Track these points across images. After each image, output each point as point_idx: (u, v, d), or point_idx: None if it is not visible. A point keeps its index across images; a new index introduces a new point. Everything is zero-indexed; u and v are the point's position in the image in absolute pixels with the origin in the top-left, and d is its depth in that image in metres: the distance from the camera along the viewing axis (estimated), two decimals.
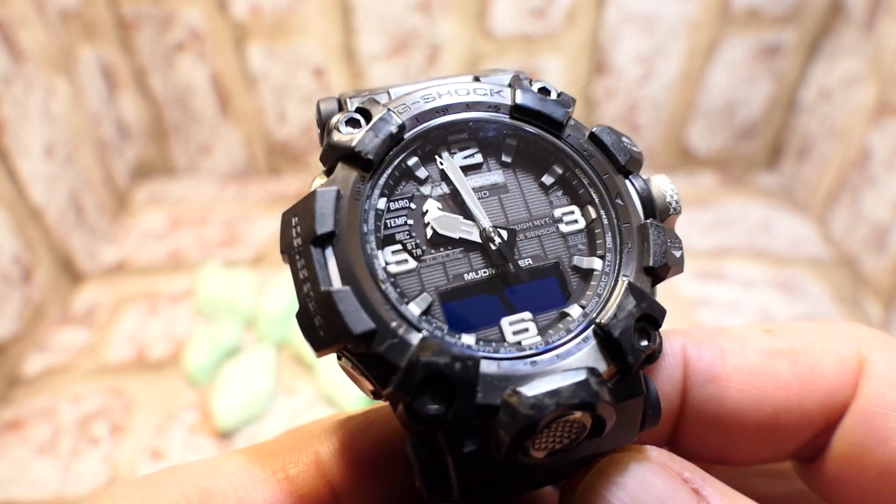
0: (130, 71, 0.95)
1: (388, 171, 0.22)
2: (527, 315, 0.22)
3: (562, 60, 0.95)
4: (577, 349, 0.20)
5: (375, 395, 0.20)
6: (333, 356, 0.20)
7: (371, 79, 0.95)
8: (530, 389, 0.19)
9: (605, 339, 0.20)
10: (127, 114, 0.98)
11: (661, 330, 0.21)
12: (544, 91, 0.24)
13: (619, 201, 0.23)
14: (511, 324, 0.21)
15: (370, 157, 0.21)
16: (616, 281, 0.22)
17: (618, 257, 0.22)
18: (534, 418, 0.18)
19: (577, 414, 0.19)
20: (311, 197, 0.20)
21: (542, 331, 0.21)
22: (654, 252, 0.22)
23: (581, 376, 0.19)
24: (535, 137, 0.24)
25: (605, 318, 0.21)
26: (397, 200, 0.22)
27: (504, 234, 0.22)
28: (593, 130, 0.24)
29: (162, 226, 0.96)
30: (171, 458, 0.65)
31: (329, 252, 0.20)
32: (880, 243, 0.82)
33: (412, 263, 0.21)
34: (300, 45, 0.92)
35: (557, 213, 0.24)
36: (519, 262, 0.22)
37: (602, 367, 0.20)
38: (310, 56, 0.93)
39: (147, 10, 0.90)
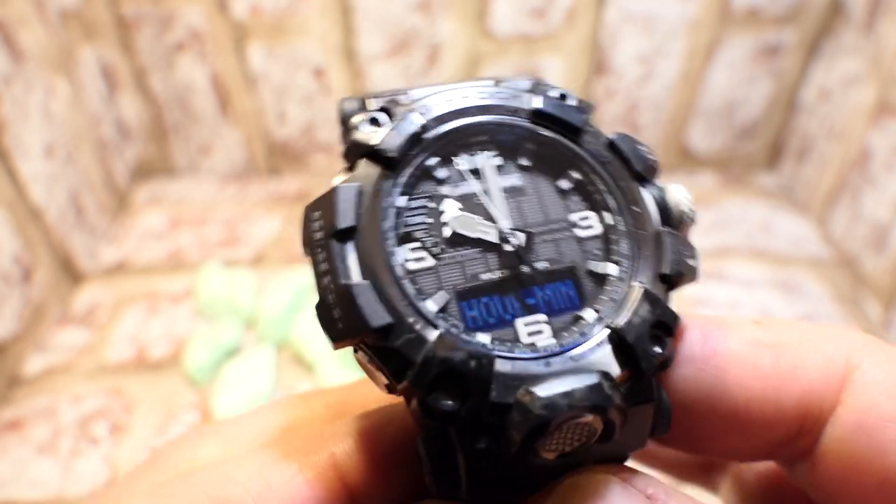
0: (130, 71, 0.95)
1: (410, 170, 0.22)
2: (542, 317, 0.21)
3: (562, 60, 0.95)
4: (591, 353, 0.20)
5: (390, 389, 0.20)
6: (349, 349, 0.21)
7: (371, 79, 0.95)
8: (543, 390, 0.19)
9: (620, 343, 0.20)
10: (127, 114, 0.98)
11: None
12: (563, 97, 0.25)
13: (635, 208, 0.23)
14: (526, 325, 0.21)
15: (392, 155, 0.22)
16: (631, 287, 0.22)
17: (633, 263, 0.22)
18: (546, 418, 0.18)
19: (589, 417, 0.19)
20: (333, 192, 0.21)
21: (556, 333, 0.21)
22: (670, 260, 0.22)
23: (594, 379, 0.19)
24: (553, 142, 0.24)
25: (620, 322, 0.21)
26: (417, 199, 0.22)
27: (522, 236, 0.22)
28: (611, 138, 0.24)
29: (162, 226, 0.95)
30: None
31: (349, 246, 0.20)
32: (880, 243, 0.82)
33: (430, 261, 0.22)
34: (300, 45, 0.92)
35: (574, 217, 0.24)
36: (535, 264, 0.22)
37: (615, 371, 0.20)
38: (310, 56, 0.93)
39: (147, 10, 0.90)
